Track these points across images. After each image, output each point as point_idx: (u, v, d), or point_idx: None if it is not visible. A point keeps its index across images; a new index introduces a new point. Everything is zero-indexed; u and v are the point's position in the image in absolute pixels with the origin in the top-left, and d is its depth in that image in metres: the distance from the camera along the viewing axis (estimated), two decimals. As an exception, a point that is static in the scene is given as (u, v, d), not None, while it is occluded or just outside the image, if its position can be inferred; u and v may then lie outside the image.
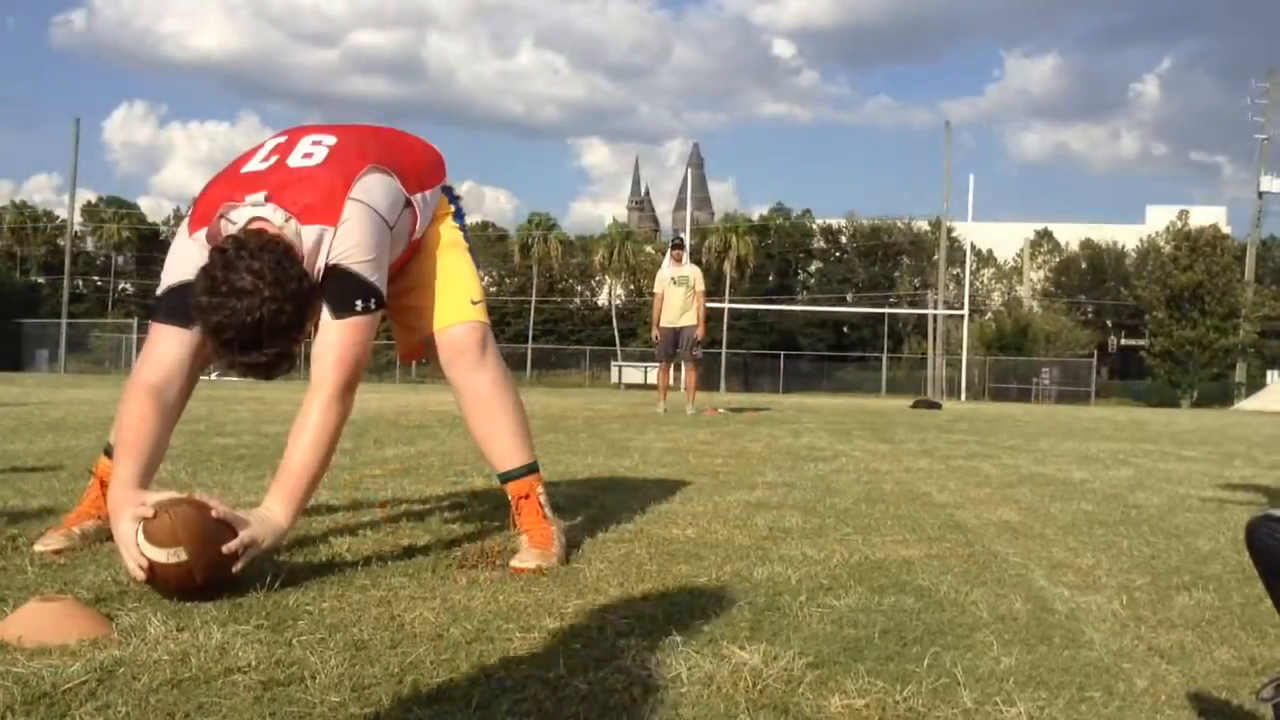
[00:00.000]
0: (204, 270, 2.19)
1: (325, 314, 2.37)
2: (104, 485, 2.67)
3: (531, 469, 2.71)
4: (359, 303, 2.37)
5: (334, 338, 2.37)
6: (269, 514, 2.25)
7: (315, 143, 2.48)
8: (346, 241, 2.34)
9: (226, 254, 2.18)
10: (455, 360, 2.67)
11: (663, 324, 11.90)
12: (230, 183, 2.40)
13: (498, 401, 2.69)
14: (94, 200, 70.12)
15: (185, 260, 2.35)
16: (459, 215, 2.82)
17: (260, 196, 2.31)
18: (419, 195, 2.59)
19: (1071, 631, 2.02)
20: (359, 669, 1.64)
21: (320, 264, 2.33)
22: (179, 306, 2.33)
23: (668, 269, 12.09)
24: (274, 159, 2.43)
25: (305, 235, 2.30)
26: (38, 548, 2.48)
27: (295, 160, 2.41)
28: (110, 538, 2.57)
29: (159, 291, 2.41)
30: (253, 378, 2.30)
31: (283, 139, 2.52)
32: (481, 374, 2.68)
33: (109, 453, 2.69)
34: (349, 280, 2.36)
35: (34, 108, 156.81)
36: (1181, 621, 2.14)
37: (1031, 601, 2.26)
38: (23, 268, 63.37)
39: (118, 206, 69.07)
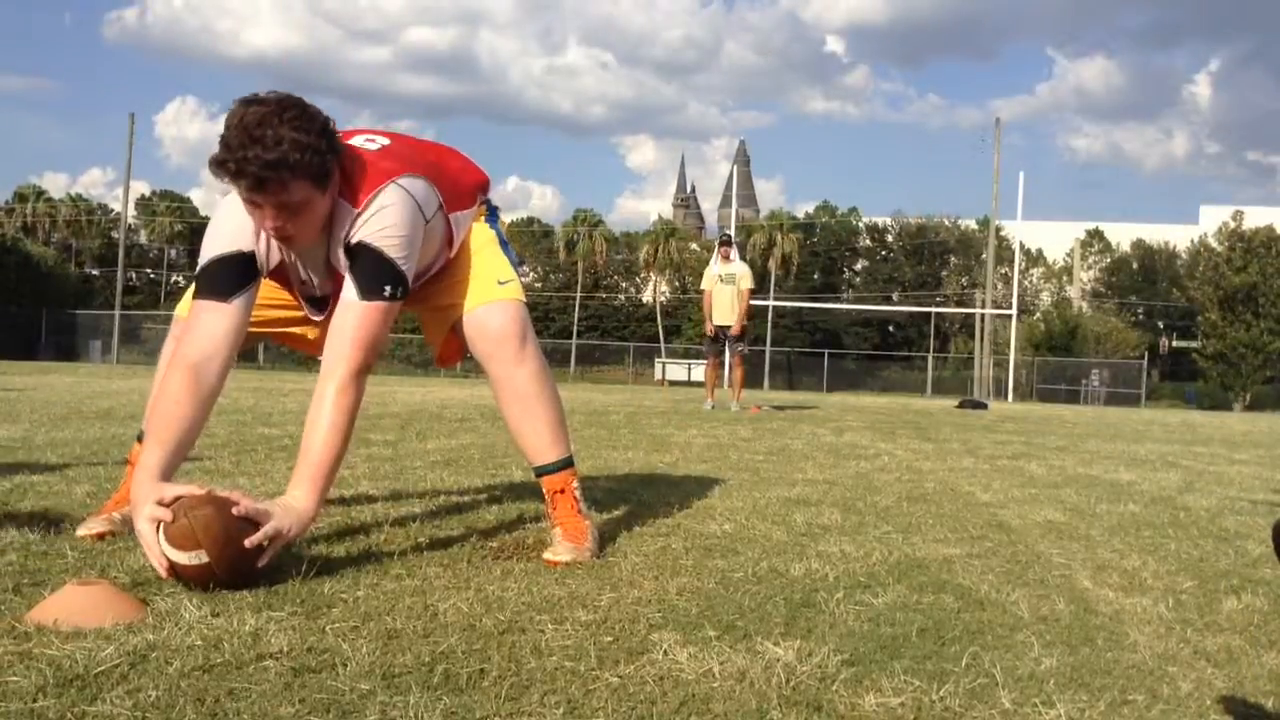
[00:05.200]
0: (231, 119, 2.19)
1: (350, 291, 2.35)
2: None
3: (567, 463, 2.68)
4: (387, 288, 2.34)
5: (356, 319, 2.33)
6: (294, 502, 2.21)
7: (369, 140, 2.50)
8: (383, 221, 2.33)
9: (249, 102, 2.21)
10: (493, 351, 2.62)
11: (713, 322, 11.87)
12: None
13: (535, 394, 2.65)
14: (147, 193, 71.17)
15: (225, 228, 2.37)
16: (492, 216, 2.81)
17: None
18: (457, 214, 2.59)
19: (1115, 634, 1.98)
20: (390, 657, 1.64)
21: (341, 233, 2.34)
22: (221, 279, 2.35)
23: (716, 266, 12.01)
24: None
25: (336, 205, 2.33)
26: (80, 532, 2.52)
27: (356, 141, 2.44)
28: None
29: (200, 264, 2.40)
30: (243, 183, 2.19)
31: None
32: (521, 366, 2.63)
33: (142, 439, 2.71)
34: (381, 263, 2.33)
35: (89, 103, 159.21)
36: (1229, 625, 2.09)
37: (1075, 603, 2.21)
38: (78, 260, 64.36)
39: (170, 200, 69.99)
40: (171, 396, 2.31)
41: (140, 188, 72.89)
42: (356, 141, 2.46)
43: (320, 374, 2.35)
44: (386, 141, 2.51)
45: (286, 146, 2.15)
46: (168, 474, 2.23)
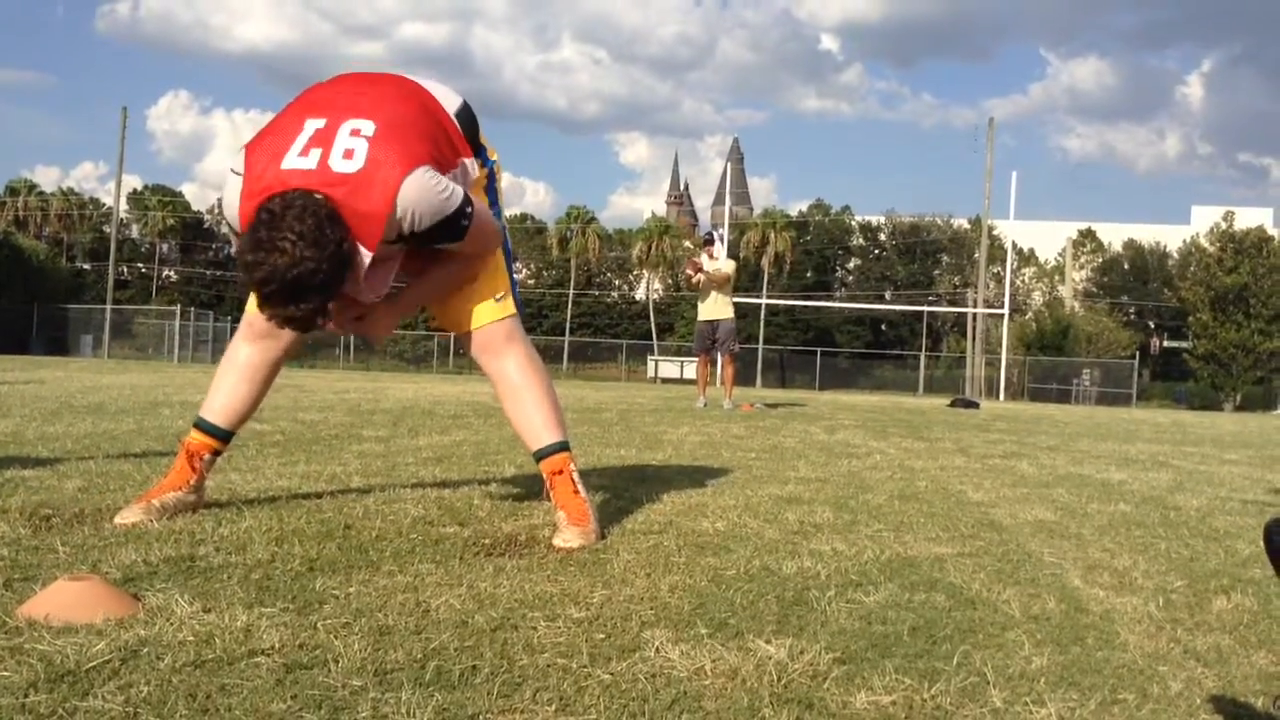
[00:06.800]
0: (251, 228, 2.34)
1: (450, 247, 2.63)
2: (191, 458, 2.80)
3: (563, 447, 2.84)
4: (464, 221, 2.55)
5: (470, 248, 2.68)
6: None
7: (354, 132, 2.44)
8: (422, 217, 2.47)
9: (274, 214, 2.31)
10: (484, 351, 2.87)
11: (700, 318, 11.90)
12: (273, 179, 2.40)
13: (524, 382, 2.86)
14: (139, 188, 70.88)
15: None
16: (490, 185, 2.89)
17: None
18: (451, 174, 2.61)
19: (1106, 633, 1.99)
20: (382, 654, 1.64)
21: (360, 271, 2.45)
22: None
23: (704, 264, 12.01)
24: (316, 153, 2.41)
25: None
26: (117, 520, 2.60)
27: (337, 161, 2.40)
28: (187, 511, 2.76)
29: None
30: (291, 329, 2.55)
31: (321, 123, 2.47)
32: (506, 359, 2.86)
33: (199, 425, 2.85)
34: (446, 224, 2.51)
35: (81, 96, 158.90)
36: (1219, 625, 2.10)
37: (1065, 602, 2.22)
38: (69, 254, 64.12)
39: (162, 194, 69.72)
40: None
41: (132, 182, 72.63)
42: (342, 141, 2.43)
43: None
44: (371, 129, 2.45)
45: (312, 305, 2.37)
46: None
